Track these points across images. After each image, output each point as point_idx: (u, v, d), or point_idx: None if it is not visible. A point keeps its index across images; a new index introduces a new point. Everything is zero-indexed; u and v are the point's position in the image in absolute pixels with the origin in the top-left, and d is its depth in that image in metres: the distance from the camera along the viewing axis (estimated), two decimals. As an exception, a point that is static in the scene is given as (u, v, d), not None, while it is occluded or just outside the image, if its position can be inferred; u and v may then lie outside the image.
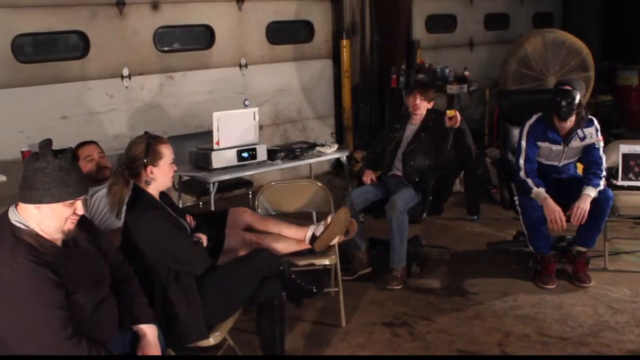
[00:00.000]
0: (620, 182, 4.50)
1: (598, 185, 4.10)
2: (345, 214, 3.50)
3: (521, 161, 4.26)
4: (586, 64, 6.93)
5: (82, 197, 2.30)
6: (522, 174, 4.23)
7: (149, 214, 2.85)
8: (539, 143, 4.26)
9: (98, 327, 2.33)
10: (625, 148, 4.55)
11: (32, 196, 2.21)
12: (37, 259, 2.16)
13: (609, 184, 4.44)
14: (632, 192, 4.45)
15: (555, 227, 4.04)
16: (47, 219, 2.24)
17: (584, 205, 4.02)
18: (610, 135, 6.59)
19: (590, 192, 4.06)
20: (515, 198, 4.29)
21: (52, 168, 2.21)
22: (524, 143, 4.28)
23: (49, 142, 2.26)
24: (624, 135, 7.43)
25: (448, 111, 4.43)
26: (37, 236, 2.23)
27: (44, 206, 2.22)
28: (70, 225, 2.29)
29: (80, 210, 2.30)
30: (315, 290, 3.34)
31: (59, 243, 2.29)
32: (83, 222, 2.40)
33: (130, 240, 2.84)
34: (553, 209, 4.04)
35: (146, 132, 3.03)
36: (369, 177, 4.67)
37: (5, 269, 2.14)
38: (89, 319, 2.28)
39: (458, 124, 4.39)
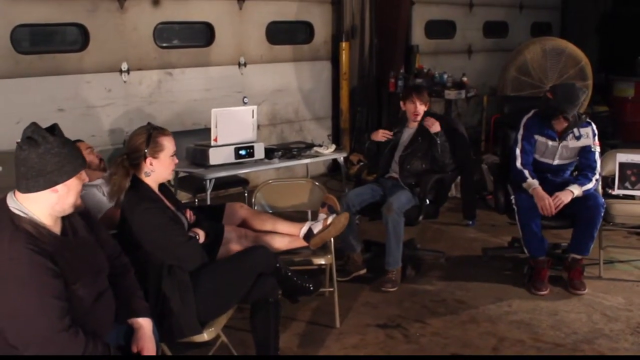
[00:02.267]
0: (616, 191, 4.52)
1: (584, 184, 4.15)
2: (346, 219, 3.54)
3: (517, 151, 4.31)
4: (585, 72, 6.95)
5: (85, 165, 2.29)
6: (518, 163, 4.27)
7: (144, 205, 2.82)
8: (536, 136, 4.30)
9: (96, 320, 2.29)
10: (622, 157, 4.58)
11: (47, 180, 2.17)
12: (36, 248, 2.12)
13: (605, 193, 4.46)
14: (628, 201, 4.47)
15: (546, 213, 4.10)
16: (65, 198, 2.21)
17: (563, 197, 4.09)
18: (606, 146, 6.60)
19: (574, 189, 4.12)
20: (512, 197, 4.29)
21: (58, 146, 2.18)
22: (520, 135, 4.33)
23: (37, 125, 2.19)
24: (619, 147, 7.42)
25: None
26: (36, 224, 2.19)
27: (60, 186, 2.19)
28: (79, 198, 2.27)
29: (86, 178, 2.29)
30: (312, 288, 3.33)
31: (57, 231, 2.26)
32: (81, 212, 2.37)
33: (125, 231, 2.82)
34: (542, 196, 4.12)
35: (149, 123, 3.00)
36: (380, 133, 4.62)
37: (4, 258, 2.10)
38: (88, 311, 2.25)
39: (439, 128, 4.41)
